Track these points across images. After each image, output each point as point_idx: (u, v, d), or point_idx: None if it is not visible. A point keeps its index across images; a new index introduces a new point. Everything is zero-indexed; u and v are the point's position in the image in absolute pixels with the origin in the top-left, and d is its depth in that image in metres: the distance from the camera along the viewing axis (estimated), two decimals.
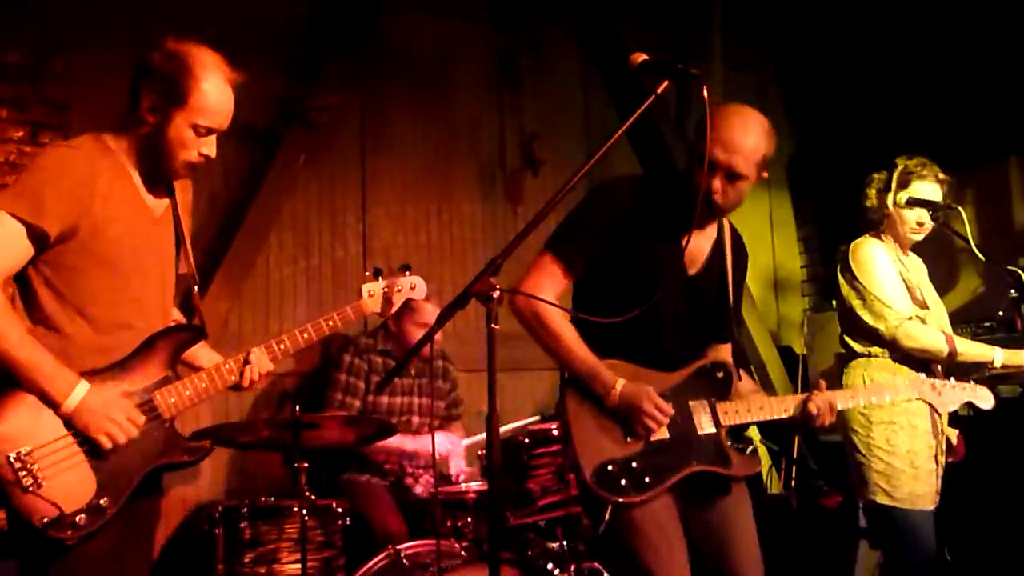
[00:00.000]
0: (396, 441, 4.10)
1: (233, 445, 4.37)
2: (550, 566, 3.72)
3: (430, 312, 4.30)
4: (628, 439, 2.65)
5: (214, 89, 2.47)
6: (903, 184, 3.70)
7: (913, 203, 3.66)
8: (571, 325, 2.73)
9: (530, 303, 2.69)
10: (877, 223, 3.80)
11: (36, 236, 2.36)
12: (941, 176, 3.72)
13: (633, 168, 5.65)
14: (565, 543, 3.79)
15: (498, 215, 5.65)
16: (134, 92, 2.48)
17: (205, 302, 4.63)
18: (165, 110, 2.45)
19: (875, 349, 3.71)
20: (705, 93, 2.41)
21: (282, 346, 2.73)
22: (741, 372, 2.92)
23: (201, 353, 2.73)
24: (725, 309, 2.89)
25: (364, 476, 4.36)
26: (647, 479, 2.62)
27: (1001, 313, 4.04)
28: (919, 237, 3.79)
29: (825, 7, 6.06)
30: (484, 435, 2.96)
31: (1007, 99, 5.29)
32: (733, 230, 2.96)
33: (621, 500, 2.60)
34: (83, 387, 2.37)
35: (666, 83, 2.41)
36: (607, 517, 2.63)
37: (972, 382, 3.43)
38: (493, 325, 2.21)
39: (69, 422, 2.37)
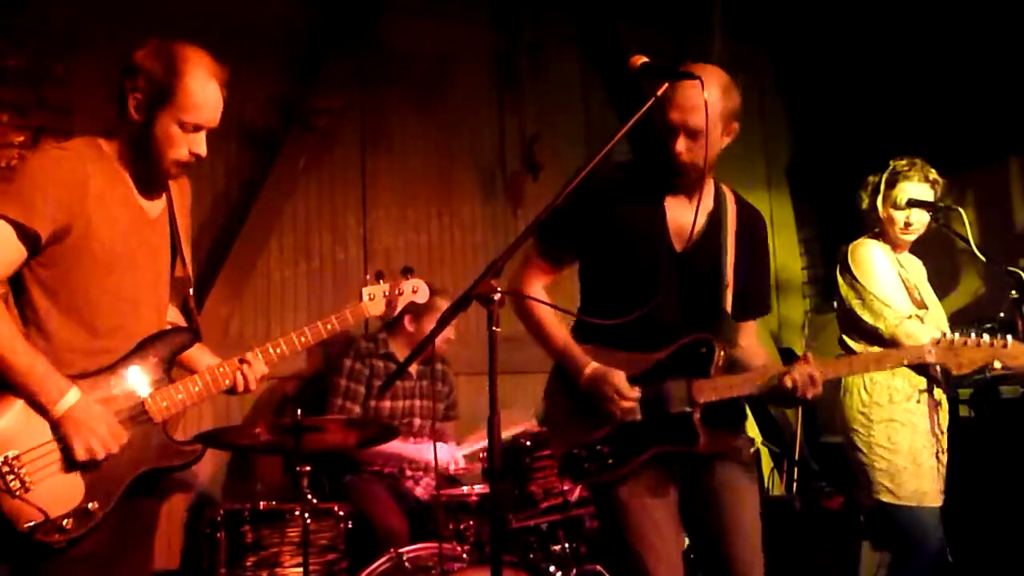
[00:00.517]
0: (393, 446, 4.10)
1: (235, 448, 4.38)
2: (552, 568, 3.72)
3: None
4: (598, 422, 2.68)
5: (198, 84, 2.44)
6: (891, 185, 3.72)
7: (912, 204, 3.67)
8: (551, 312, 2.77)
9: (516, 289, 2.76)
10: (872, 225, 3.82)
11: (27, 238, 2.34)
12: (931, 176, 3.72)
13: None
14: (567, 545, 3.80)
15: (498, 217, 5.66)
16: (121, 93, 2.46)
17: (206, 305, 4.66)
18: (150, 108, 2.43)
19: (874, 349, 3.71)
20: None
21: (279, 350, 2.69)
22: (758, 348, 2.89)
23: (199, 356, 2.70)
24: (718, 287, 2.78)
25: (364, 476, 4.36)
26: (610, 461, 2.67)
27: (1002, 314, 4.02)
28: (911, 237, 3.80)
29: (824, 9, 6.06)
30: (484, 441, 2.96)
31: (1006, 100, 5.29)
32: (744, 207, 2.86)
33: (586, 481, 2.70)
34: (74, 394, 2.35)
35: (666, 86, 2.44)
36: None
37: (998, 335, 2.82)
38: (494, 328, 2.20)
39: (56, 427, 2.35)
